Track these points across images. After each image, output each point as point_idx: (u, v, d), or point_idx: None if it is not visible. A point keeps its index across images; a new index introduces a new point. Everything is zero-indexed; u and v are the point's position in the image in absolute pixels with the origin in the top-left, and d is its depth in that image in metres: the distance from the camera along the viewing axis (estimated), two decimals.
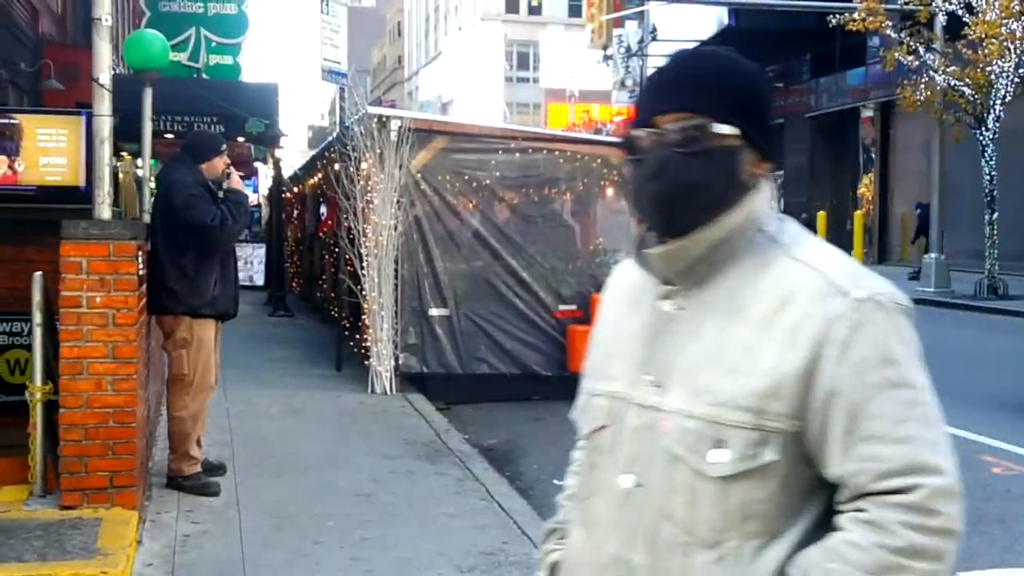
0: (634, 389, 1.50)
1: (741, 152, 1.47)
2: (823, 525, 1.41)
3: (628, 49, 37.89)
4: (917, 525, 1.35)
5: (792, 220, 1.56)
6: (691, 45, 32.64)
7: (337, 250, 11.03)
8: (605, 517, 1.51)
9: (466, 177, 9.43)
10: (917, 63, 18.99)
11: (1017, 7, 17.56)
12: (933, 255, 19.87)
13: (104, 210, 5.17)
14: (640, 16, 37.35)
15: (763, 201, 1.50)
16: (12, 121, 7.69)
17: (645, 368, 1.50)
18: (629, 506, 1.48)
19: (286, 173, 18.33)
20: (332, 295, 12.33)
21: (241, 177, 6.28)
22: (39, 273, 5.28)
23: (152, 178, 8.28)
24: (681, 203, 1.46)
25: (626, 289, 1.61)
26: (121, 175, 15.62)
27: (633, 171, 1.51)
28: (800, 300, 1.41)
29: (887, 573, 1.34)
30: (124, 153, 14.51)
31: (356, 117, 9.83)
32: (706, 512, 1.42)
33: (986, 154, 18.69)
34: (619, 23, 39.29)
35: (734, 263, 1.47)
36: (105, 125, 5.21)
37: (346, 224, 9.64)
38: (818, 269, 1.43)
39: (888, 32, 19.22)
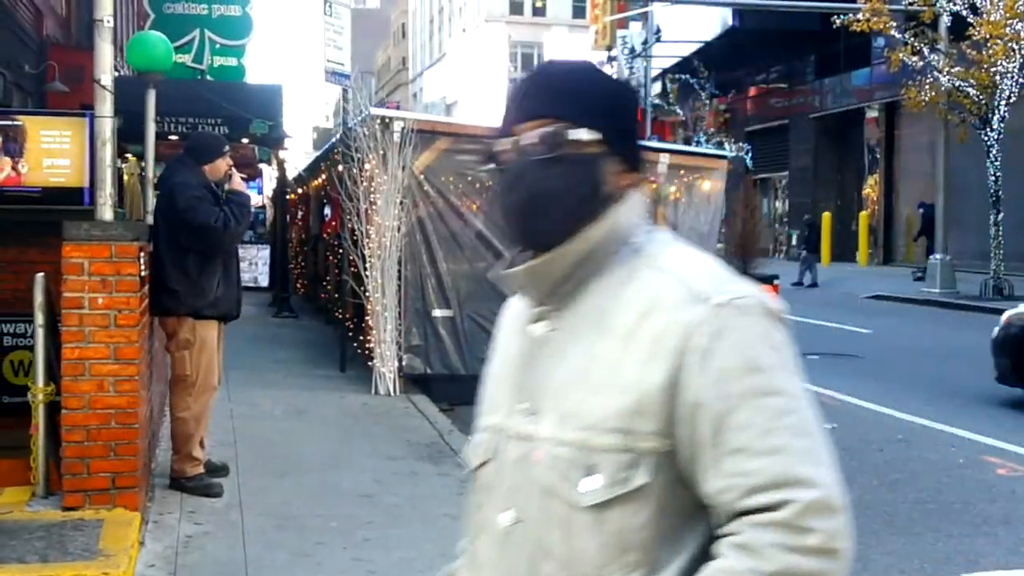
0: (511, 419, 1.43)
1: (603, 160, 1.41)
2: (709, 552, 1.32)
3: (632, 50, 37.84)
4: (791, 546, 1.23)
5: (664, 231, 1.48)
6: (695, 47, 32.62)
7: (341, 251, 11.04)
8: (488, 557, 1.45)
9: (469, 178, 9.43)
10: (921, 64, 18.99)
11: (1022, 8, 17.53)
12: (939, 256, 19.86)
13: (106, 211, 5.17)
14: (644, 17, 37.34)
15: (630, 213, 1.43)
16: (15, 123, 7.70)
17: (520, 396, 1.43)
18: (510, 544, 1.40)
19: (291, 174, 18.35)
20: (336, 296, 12.34)
21: (245, 178, 6.27)
22: (41, 274, 5.28)
23: (155, 179, 8.28)
24: (541, 213, 1.40)
25: (515, 316, 1.55)
26: (126, 177, 15.63)
27: (497, 183, 1.46)
28: (660, 310, 1.34)
29: None
30: (129, 155, 14.54)
31: (359, 118, 9.83)
32: (583, 545, 1.33)
33: (991, 155, 18.67)
34: (623, 24, 39.26)
35: (600, 278, 1.40)
36: (107, 126, 5.21)
37: (349, 225, 9.65)
38: (679, 276, 1.36)
39: (892, 33, 19.21)
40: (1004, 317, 9.79)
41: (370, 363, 9.22)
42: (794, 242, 29.83)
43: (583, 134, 1.39)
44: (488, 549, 1.45)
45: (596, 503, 1.32)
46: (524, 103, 1.43)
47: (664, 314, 1.33)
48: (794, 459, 1.27)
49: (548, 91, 1.43)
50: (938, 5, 18.75)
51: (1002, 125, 18.50)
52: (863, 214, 28.70)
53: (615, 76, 1.52)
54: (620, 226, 1.42)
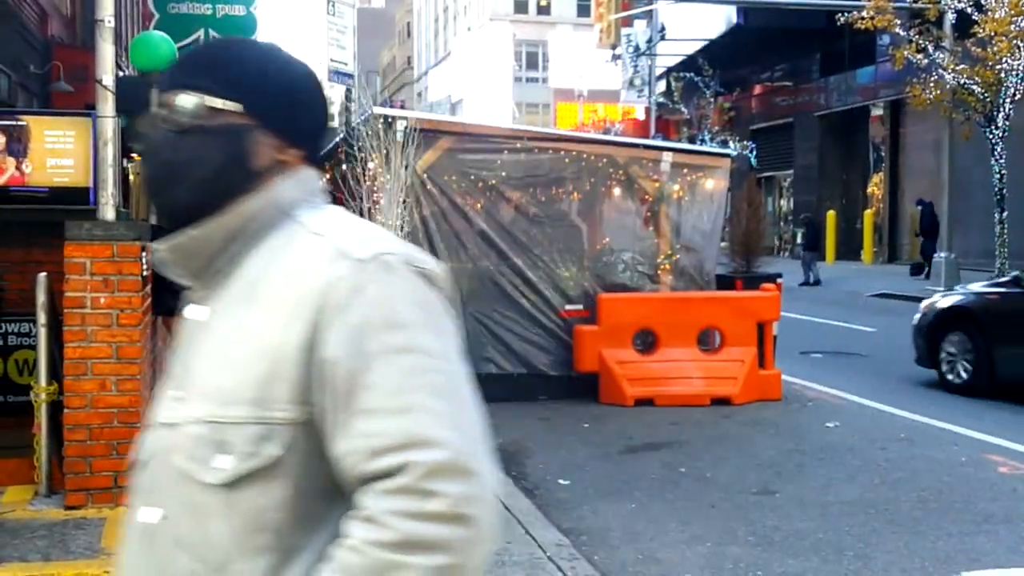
0: (164, 411, 1.36)
1: (251, 133, 1.35)
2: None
3: (636, 48, 37.83)
4: (412, 512, 1.15)
5: (336, 208, 1.41)
6: (699, 45, 32.42)
7: None
8: (131, 562, 1.34)
9: (472, 177, 9.44)
10: (926, 61, 18.94)
11: None
12: (943, 254, 19.82)
13: (108, 211, 5.19)
14: (649, 15, 37.33)
15: (294, 188, 1.38)
16: (20, 123, 7.73)
17: (175, 385, 1.36)
18: (151, 543, 1.31)
19: None
20: None
21: None
22: (43, 274, 5.30)
23: None
24: (176, 184, 1.34)
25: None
26: (131, 176, 15.66)
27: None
28: (305, 270, 1.27)
29: (383, 575, 1.15)
30: (135, 154, 14.55)
31: (362, 118, 9.85)
32: (214, 531, 1.25)
33: (996, 152, 18.64)
34: (628, 22, 39.26)
35: (257, 251, 1.34)
36: (109, 126, 5.23)
37: None
38: (327, 237, 1.30)
39: (897, 30, 19.18)
40: (922, 305, 10.69)
41: None
42: (799, 240, 29.81)
43: (219, 103, 1.34)
44: (133, 554, 1.35)
45: (226, 482, 1.24)
46: (171, 74, 1.39)
47: (308, 274, 1.27)
48: (425, 420, 1.18)
49: (196, 63, 1.39)
50: (943, 2, 18.70)
51: (1007, 123, 18.46)
52: (868, 212, 28.64)
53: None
54: (279, 200, 1.36)
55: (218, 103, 1.34)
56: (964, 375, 9.76)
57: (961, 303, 10.16)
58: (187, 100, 1.34)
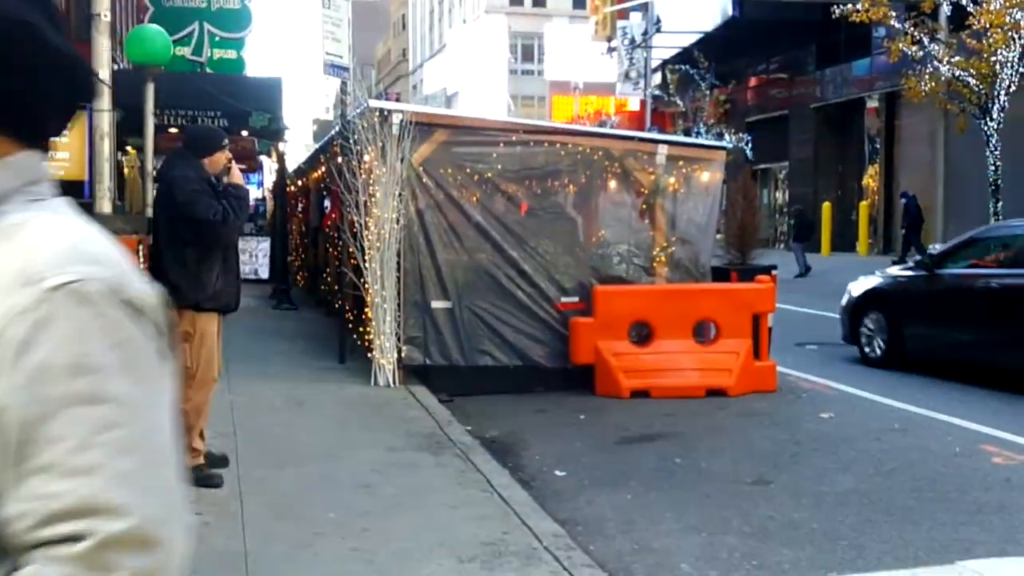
0: None
1: None
2: None
3: (632, 41, 37.83)
4: None
5: (64, 202, 1.21)
6: (695, 37, 32.38)
7: (340, 243, 11.07)
8: None
9: (467, 170, 9.45)
10: (922, 53, 18.98)
11: None
12: (938, 246, 19.88)
13: (104, 204, 5.21)
14: (644, 8, 37.32)
15: (2, 178, 1.15)
16: None
17: None
18: None
19: (291, 167, 18.37)
20: (335, 288, 12.37)
21: (244, 170, 6.30)
22: None
23: (154, 172, 8.31)
24: None
25: None
26: (126, 169, 15.67)
27: None
28: None
29: None
30: (129, 147, 14.57)
31: (358, 111, 9.86)
32: None
33: (991, 144, 18.69)
34: (623, 15, 39.26)
35: None
36: (104, 120, 5.24)
37: (349, 217, 9.68)
38: (25, 251, 1.09)
39: (892, 23, 19.21)
40: (849, 286, 11.51)
41: (369, 354, 9.26)
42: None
43: None
44: None
45: None
46: None
47: None
48: (106, 482, 1.03)
49: None
50: None
51: (1002, 115, 18.51)
52: (863, 204, 28.69)
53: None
54: None
55: None
56: (879, 351, 10.77)
57: (878, 286, 11.08)
58: None
